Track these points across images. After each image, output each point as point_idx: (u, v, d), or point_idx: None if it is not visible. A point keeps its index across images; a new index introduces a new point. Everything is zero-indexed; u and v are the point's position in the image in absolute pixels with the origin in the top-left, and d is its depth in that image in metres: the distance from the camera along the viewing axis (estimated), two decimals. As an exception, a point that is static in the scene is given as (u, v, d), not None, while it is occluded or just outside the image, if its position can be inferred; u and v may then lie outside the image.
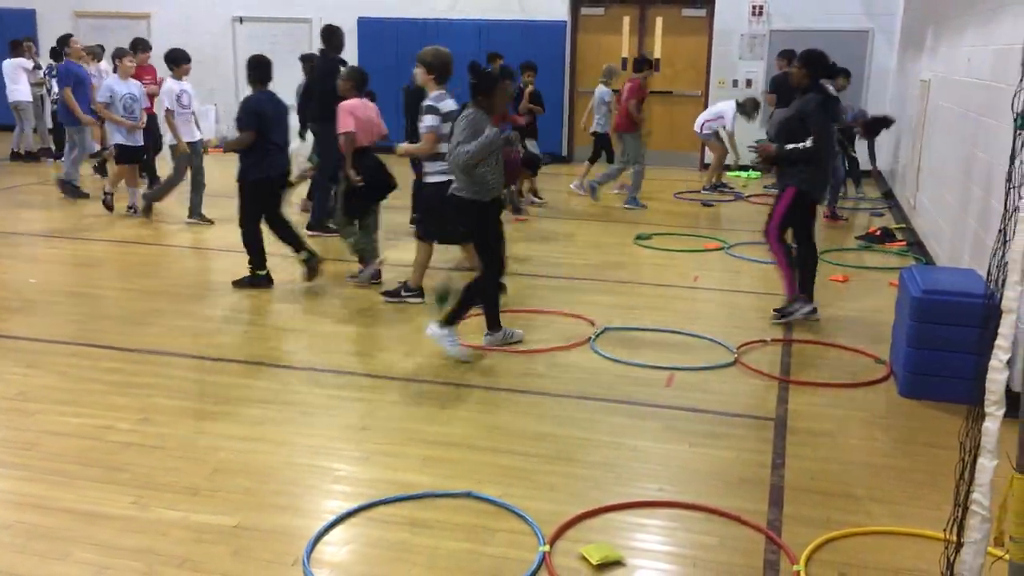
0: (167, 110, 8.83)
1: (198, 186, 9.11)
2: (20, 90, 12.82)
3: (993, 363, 2.48)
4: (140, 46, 10.41)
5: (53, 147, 13.34)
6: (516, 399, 4.83)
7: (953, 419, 4.50)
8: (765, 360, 5.46)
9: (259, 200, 6.74)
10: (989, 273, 2.59)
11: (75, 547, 3.31)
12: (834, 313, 6.48)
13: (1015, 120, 2.49)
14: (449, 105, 6.03)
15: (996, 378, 2.48)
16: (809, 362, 5.48)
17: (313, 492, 3.80)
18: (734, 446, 4.28)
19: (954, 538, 2.69)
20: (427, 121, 5.98)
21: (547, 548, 3.31)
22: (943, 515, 2.83)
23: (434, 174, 6.12)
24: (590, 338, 5.74)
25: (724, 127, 11.38)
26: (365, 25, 14.45)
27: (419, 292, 6.46)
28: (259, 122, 6.55)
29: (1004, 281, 2.48)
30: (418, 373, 5.17)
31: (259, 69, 6.80)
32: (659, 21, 12.82)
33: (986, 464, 2.51)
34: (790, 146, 5.93)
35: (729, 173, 12.47)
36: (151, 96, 10.08)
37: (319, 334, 5.90)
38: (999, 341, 2.47)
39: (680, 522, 3.61)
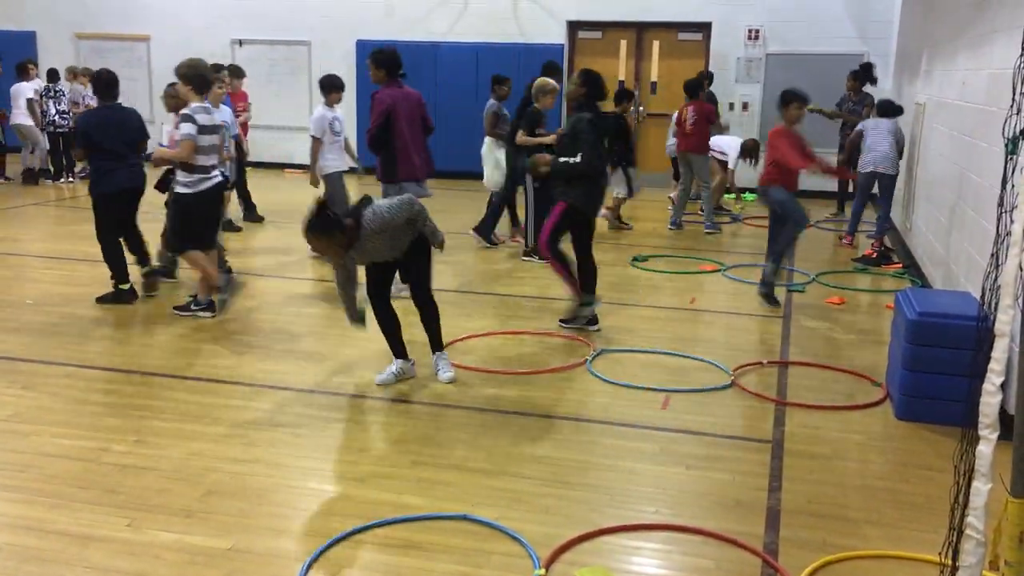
0: (315, 139, 8.24)
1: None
2: (21, 113, 12.96)
3: (987, 386, 2.48)
4: (235, 72, 10.16)
5: (52, 168, 13.39)
6: (512, 421, 4.82)
7: (949, 442, 4.50)
8: (762, 382, 5.46)
9: (109, 213, 6.87)
10: (983, 296, 2.60)
11: (68, 570, 3.30)
12: (831, 335, 6.49)
13: (1006, 145, 2.51)
14: (208, 119, 6.28)
15: (990, 401, 2.48)
16: (806, 384, 5.48)
17: (307, 514, 3.79)
18: (730, 469, 4.27)
19: (949, 562, 2.69)
20: (184, 129, 6.18)
21: (542, 571, 3.29)
22: (939, 538, 2.82)
23: (184, 184, 6.31)
24: (586, 360, 5.74)
25: (728, 164, 11.54)
26: (364, 48, 14.51)
27: (210, 304, 6.60)
28: (87, 139, 6.74)
29: (997, 304, 2.49)
30: (412, 394, 5.16)
31: (99, 84, 6.99)
32: (656, 45, 12.93)
33: (980, 488, 2.50)
34: (562, 159, 6.18)
35: (726, 196, 12.51)
36: (244, 125, 9.76)
37: (311, 354, 5.89)
38: (992, 364, 2.47)
39: (676, 545, 3.60)
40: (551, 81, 8.69)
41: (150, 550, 3.43)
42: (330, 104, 8.38)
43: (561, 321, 6.48)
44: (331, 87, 8.40)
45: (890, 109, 9.35)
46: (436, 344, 5.44)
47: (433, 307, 5.38)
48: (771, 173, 7.11)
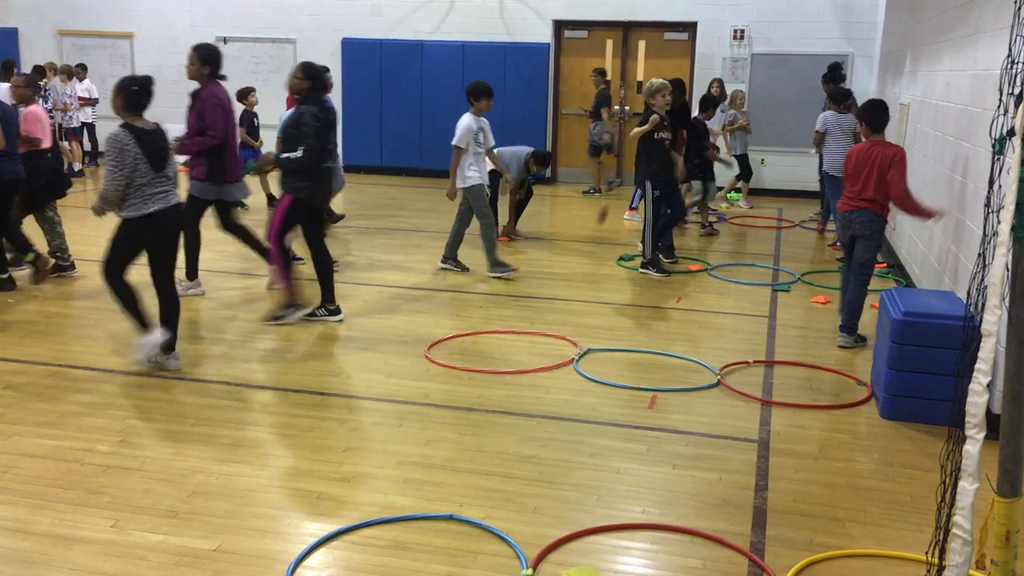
0: (457, 148, 7.66)
1: (462, 229, 8.16)
2: None
3: (973, 386, 2.49)
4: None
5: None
6: (498, 420, 4.82)
7: (934, 441, 4.54)
8: (747, 382, 5.47)
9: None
10: (969, 296, 2.61)
11: (52, 571, 3.27)
12: (816, 335, 6.51)
13: (993, 145, 2.52)
14: None
15: (976, 401, 2.49)
16: (791, 384, 5.50)
17: (293, 515, 3.77)
18: (717, 468, 4.28)
19: (936, 561, 2.70)
20: None
21: (530, 571, 3.29)
22: (925, 538, 2.83)
23: None
24: (573, 359, 5.74)
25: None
26: (349, 47, 14.49)
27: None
28: None
29: (984, 304, 2.50)
30: (398, 394, 5.15)
31: None
32: (642, 44, 12.93)
33: (967, 487, 2.51)
34: (284, 155, 6.20)
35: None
36: None
37: (295, 355, 5.87)
38: (979, 364, 2.48)
39: (663, 545, 3.60)
40: (659, 80, 8.24)
41: (135, 551, 3.41)
42: (477, 112, 7.74)
43: (269, 320, 6.43)
44: (482, 93, 7.72)
45: (841, 95, 9.39)
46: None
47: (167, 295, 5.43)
48: (882, 197, 5.99)
